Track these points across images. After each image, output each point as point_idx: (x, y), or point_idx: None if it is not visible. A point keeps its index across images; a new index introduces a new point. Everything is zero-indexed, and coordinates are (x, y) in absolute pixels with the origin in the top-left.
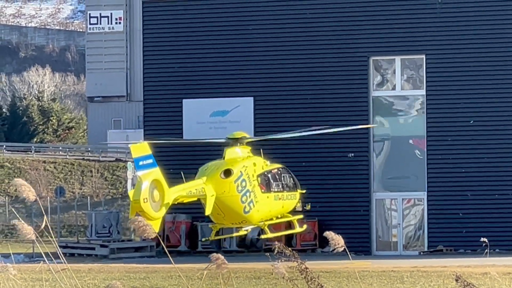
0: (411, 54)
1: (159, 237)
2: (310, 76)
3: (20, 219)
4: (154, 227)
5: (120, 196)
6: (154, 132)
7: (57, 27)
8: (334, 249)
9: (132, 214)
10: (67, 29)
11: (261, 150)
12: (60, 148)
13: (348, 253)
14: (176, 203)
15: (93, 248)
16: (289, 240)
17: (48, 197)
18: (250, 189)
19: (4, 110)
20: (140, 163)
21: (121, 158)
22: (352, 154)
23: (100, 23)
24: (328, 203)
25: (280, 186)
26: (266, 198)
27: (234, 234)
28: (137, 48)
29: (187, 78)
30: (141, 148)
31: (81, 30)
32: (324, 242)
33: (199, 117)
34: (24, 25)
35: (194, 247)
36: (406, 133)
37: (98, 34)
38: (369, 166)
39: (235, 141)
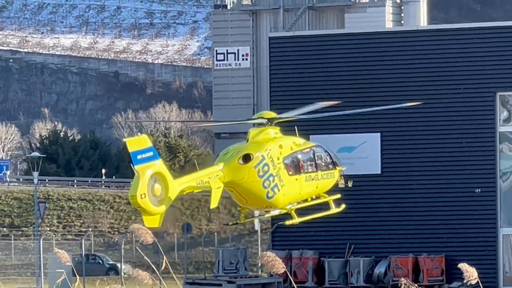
0: None
1: (288, 273)
2: (436, 112)
3: (145, 256)
4: (154, 222)
5: (247, 232)
6: None
7: (184, 64)
8: (468, 282)
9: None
10: (194, 65)
11: (296, 127)
12: None
13: (481, 286)
14: (185, 193)
15: (220, 285)
16: (416, 275)
17: (175, 234)
18: (274, 173)
19: None
20: (139, 157)
21: None
22: (479, 190)
23: (227, 60)
24: (454, 239)
25: (314, 166)
26: (294, 181)
27: (256, 217)
28: (263, 84)
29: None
30: (139, 141)
31: (207, 66)
32: (451, 277)
33: None
34: (151, 61)
35: (321, 283)
36: None
37: (225, 70)
38: (496, 201)
39: (263, 121)
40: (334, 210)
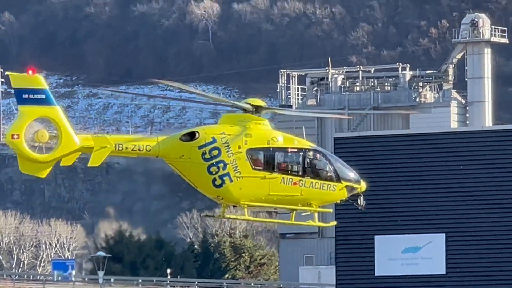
0: None
1: None
2: (503, 211)
3: None
4: (32, 169)
5: None
6: (346, 268)
7: None
8: None
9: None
10: None
11: (303, 128)
12: (252, 284)
13: None
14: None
15: None
16: None
17: None
18: (228, 161)
19: (196, 246)
20: (24, 96)
21: None
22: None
23: None
24: None
25: (300, 170)
26: (261, 178)
27: (240, 217)
28: None
29: (379, 214)
30: (28, 80)
31: None
32: None
33: (391, 253)
34: None
35: None
36: None
37: None
38: None
39: (248, 107)
40: (316, 223)
